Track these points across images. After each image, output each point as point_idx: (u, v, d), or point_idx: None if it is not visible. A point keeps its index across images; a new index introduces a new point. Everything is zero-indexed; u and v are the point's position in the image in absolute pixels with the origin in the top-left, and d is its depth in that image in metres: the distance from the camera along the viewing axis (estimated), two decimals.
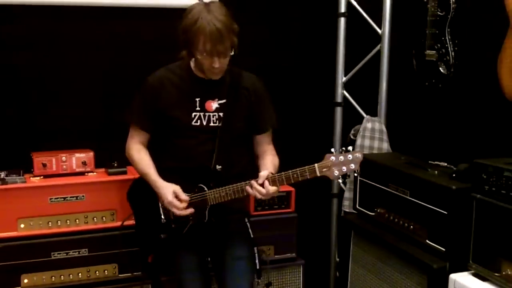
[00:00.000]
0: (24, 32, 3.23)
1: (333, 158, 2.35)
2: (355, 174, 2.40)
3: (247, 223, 2.76)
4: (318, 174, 2.36)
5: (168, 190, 2.53)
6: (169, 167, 2.62)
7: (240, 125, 2.62)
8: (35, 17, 3.22)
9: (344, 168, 2.34)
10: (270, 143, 2.73)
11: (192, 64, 2.59)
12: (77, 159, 3.09)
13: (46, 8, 3.20)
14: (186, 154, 2.60)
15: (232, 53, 2.46)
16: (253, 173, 2.53)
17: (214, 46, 2.39)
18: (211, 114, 2.58)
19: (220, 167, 2.56)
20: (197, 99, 2.57)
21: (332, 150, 2.38)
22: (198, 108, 2.57)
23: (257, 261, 2.69)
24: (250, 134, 2.70)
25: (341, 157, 2.34)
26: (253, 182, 2.43)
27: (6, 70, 3.23)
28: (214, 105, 2.58)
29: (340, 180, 2.40)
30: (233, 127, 2.59)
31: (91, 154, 3.12)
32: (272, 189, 2.42)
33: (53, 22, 3.27)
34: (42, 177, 3.02)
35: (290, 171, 2.40)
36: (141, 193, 2.72)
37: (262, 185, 2.41)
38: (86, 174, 3.10)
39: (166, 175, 2.60)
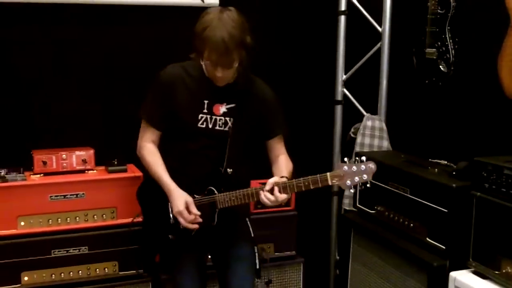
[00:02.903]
0: (25, 31, 3.23)
1: (345, 167, 2.31)
2: (368, 185, 2.35)
3: (248, 222, 2.74)
4: (330, 183, 2.33)
5: (181, 200, 2.48)
6: (175, 167, 2.58)
7: (247, 132, 2.58)
8: (35, 16, 3.22)
9: (357, 178, 2.30)
10: (282, 148, 2.67)
11: (203, 65, 2.52)
12: (77, 156, 3.09)
13: (46, 8, 3.20)
14: (192, 156, 2.56)
15: (236, 65, 2.40)
16: (257, 177, 2.51)
17: (218, 57, 2.34)
18: (218, 117, 2.53)
19: (231, 170, 2.52)
20: (206, 101, 2.52)
21: (345, 159, 2.35)
22: (205, 111, 2.52)
23: (257, 260, 2.68)
24: (260, 141, 2.65)
25: (354, 167, 2.30)
26: (263, 189, 2.39)
27: (7, 69, 3.22)
28: (222, 109, 2.54)
29: (352, 190, 2.36)
30: (242, 132, 2.55)
31: (91, 151, 3.12)
32: (282, 196, 2.37)
33: (53, 21, 3.26)
34: (42, 174, 3.02)
35: (301, 178, 2.35)
36: (151, 192, 2.67)
37: (271, 191, 2.38)
38: (86, 171, 3.10)
39: (173, 174, 2.56)
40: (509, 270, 2.25)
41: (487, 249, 2.36)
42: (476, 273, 2.43)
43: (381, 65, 3.50)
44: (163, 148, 2.64)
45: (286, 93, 3.76)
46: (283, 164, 2.60)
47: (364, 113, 3.65)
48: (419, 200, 2.73)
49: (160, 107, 2.56)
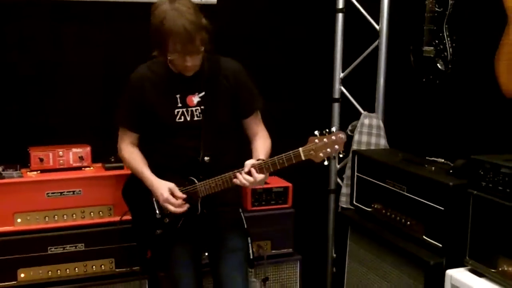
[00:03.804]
0: (22, 29, 3.22)
1: (316, 140, 2.32)
2: (340, 155, 2.38)
3: (241, 214, 2.74)
4: (303, 158, 2.34)
5: (164, 188, 2.52)
6: (159, 164, 2.61)
7: (224, 115, 2.59)
8: (33, 14, 3.21)
9: (329, 150, 2.31)
10: (260, 125, 2.68)
11: (169, 60, 2.51)
12: (74, 153, 3.08)
13: (45, 6, 3.20)
14: (174, 150, 2.58)
15: (203, 49, 2.41)
16: (242, 163, 2.49)
17: (184, 46, 2.34)
18: (194, 108, 2.55)
19: (208, 158, 2.54)
20: (178, 96, 2.54)
21: (316, 132, 2.35)
22: (180, 105, 2.54)
23: (250, 251, 2.69)
24: (237, 121, 2.66)
25: (325, 139, 2.32)
26: (241, 171, 2.42)
27: (4, 67, 3.22)
28: (195, 99, 2.55)
29: (326, 163, 2.34)
30: (216, 118, 2.56)
31: (88, 149, 3.12)
32: (260, 176, 2.40)
33: (51, 19, 3.26)
34: (39, 171, 3.02)
35: (275, 157, 2.38)
36: (135, 190, 2.71)
37: (249, 173, 2.40)
38: (83, 168, 3.10)
39: (157, 171, 2.60)
40: (506, 268, 2.26)
41: (484, 247, 2.37)
42: (472, 271, 2.43)
43: (378, 63, 3.50)
44: (146, 147, 2.67)
45: (284, 91, 3.79)
46: (260, 143, 2.62)
47: (362, 111, 3.65)
48: (416, 198, 2.73)
49: (133, 110, 2.61)
